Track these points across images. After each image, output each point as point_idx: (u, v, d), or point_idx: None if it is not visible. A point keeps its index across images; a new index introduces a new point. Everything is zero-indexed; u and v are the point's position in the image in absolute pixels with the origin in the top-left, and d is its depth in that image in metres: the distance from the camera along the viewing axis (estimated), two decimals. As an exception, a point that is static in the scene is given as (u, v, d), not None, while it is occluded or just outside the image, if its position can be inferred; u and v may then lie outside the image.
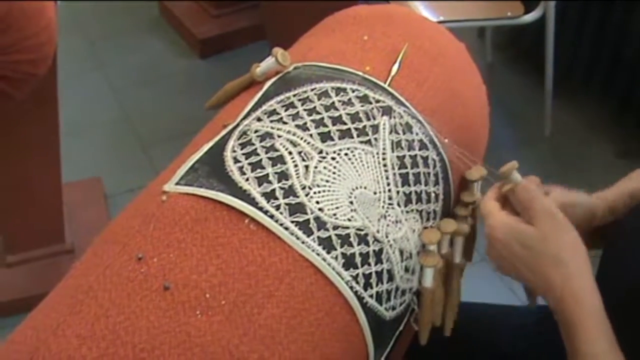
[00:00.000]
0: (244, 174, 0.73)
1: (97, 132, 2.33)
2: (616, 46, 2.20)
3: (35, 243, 1.77)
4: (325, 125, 0.78)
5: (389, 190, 0.78)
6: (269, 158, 0.74)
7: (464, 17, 1.98)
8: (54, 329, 0.64)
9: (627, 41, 2.16)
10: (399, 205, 0.78)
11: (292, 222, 0.70)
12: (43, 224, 1.75)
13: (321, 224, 0.71)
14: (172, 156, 0.82)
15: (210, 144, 0.78)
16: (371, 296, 0.74)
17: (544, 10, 2.02)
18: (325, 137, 0.77)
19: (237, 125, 0.79)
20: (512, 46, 2.58)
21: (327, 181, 0.74)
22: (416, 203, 0.81)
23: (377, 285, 0.74)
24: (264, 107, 0.81)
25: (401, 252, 0.77)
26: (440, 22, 1.89)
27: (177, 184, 0.73)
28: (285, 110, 0.79)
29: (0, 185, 1.62)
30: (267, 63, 0.87)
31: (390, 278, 0.76)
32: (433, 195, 0.84)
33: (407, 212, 0.80)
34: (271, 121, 0.78)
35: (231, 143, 0.76)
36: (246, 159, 0.74)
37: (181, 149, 0.82)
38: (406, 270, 0.79)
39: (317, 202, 0.72)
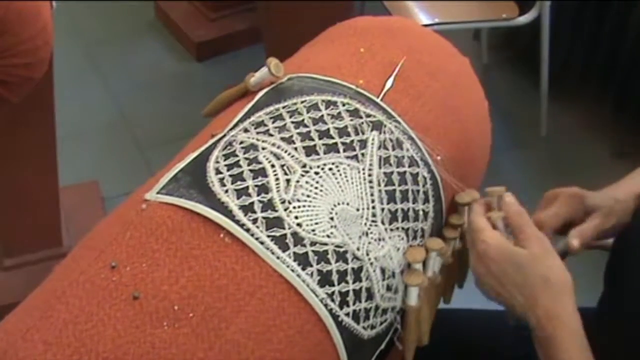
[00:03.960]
0: (224, 185, 0.72)
1: (94, 136, 2.31)
2: (612, 47, 2.18)
3: (33, 246, 1.75)
4: (312, 139, 0.77)
5: (373, 207, 0.77)
6: (251, 170, 0.73)
7: (460, 18, 1.98)
8: (23, 333, 0.64)
9: (623, 41, 2.14)
10: (383, 222, 0.77)
11: (269, 236, 0.70)
12: (40, 228, 1.73)
13: (298, 240, 0.70)
14: (169, 160, 0.81)
15: (196, 153, 0.77)
16: (347, 314, 0.73)
17: (539, 11, 2.01)
18: (310, 150, 0.76)
19: (225, 135, 0.79)
20: (507, 47, 2.55)
21: (308, 196, 0.73)
22: (402, 221, 0.80)
23: (354, 303, 0.73)
24: (252, 118, 0.80)
25: (383, 271, 0.76)
26: (435, 24, 1.89)
27: (158, 192, 0.73)
28: (273, 122, 0.79)
29: (-3, 188, 1.62)
30: (262, 73, 0.86)
31: (370, 296, 0.75)
32: (421, 213, 0.83)
33: (392, 230, 0.78)
34: (257, 133, 0.78)
35: (215, 153, 0.76)
36: (228, 170, 0.74)
37: (178, 153, 0.82)
38: (388, 289, 0.78)
39: (296, 217, 0.71)
